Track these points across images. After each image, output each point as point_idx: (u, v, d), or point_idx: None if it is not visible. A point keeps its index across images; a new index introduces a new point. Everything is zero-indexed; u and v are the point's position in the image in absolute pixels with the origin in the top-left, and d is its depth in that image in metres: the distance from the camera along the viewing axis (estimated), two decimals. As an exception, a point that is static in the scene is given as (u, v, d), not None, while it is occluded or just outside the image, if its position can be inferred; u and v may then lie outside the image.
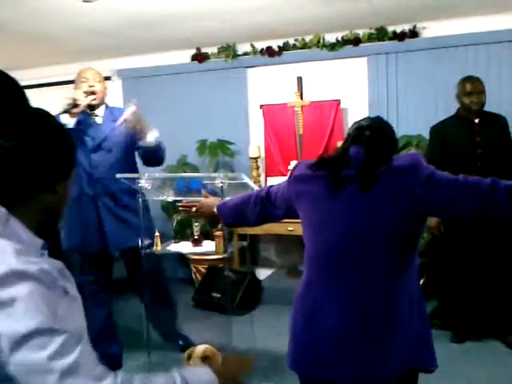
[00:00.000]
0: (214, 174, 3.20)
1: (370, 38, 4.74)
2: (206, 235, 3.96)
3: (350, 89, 4.89)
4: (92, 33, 4.43)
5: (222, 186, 2.78)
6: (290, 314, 1.78)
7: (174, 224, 4.93)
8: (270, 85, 5.15)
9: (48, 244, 1.12)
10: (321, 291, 1.67)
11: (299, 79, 4.85)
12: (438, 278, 3.84)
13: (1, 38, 4.38)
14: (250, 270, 4.79)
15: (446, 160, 3.47)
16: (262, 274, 5.14)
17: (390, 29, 4.67)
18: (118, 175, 2.94)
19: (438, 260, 3.79)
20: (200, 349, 2.56)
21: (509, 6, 4.18)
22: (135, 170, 3.28)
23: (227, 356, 1.71)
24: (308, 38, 4.92)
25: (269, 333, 3.72)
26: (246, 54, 5.14)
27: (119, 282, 3.76)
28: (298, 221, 1.78)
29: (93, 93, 3.13)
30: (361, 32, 4.76)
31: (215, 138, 5.08)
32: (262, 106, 5.02)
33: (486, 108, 3.58)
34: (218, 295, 4.32)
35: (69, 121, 2.99)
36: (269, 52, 5.04)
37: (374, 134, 1.68)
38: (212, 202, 2.12)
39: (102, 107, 3.22)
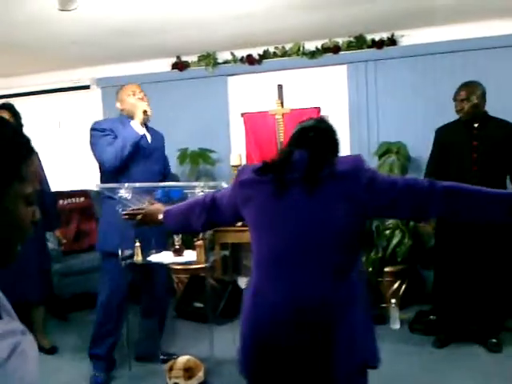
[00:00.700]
0: (194, 183, 3.18)
1: (350, 46, 4.79)
2: (188, 245, 3.93)
3: (330, 96, 4.92)
4: (71, 42, 4.39)
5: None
6: None
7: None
8: (250, 93, 5.15)
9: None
10: (268, 294, 1.66)
11: (280, 87, 4.87)
12: (418, 283, 3.85)
13: (-22, 47, 4.33)
14: (232, 278, 4.77)
15: (443, 163, 3.50)
16: (244, 282, 5.12)
17: (369, 37, 4.73)
18: (98, 185, 2.90)
19: (436, 264, 3.72)
20: (182, 360, 2.53)
21: (485, 14, 4.25)
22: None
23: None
24: (288, 46, 4.95)
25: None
26: (226, 62, 5.15)
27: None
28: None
29: None
30: (340, 40, 4.81)
31: (196, 146, 5.06)
32: (243, 114, 5.02)
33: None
34: (200, 305, 4.29)
35: (142, 130, 3.18)
36: (249, 60, 5.06)
37: (318, 135, 1.72)
38: (157, 209, 2.09)
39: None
